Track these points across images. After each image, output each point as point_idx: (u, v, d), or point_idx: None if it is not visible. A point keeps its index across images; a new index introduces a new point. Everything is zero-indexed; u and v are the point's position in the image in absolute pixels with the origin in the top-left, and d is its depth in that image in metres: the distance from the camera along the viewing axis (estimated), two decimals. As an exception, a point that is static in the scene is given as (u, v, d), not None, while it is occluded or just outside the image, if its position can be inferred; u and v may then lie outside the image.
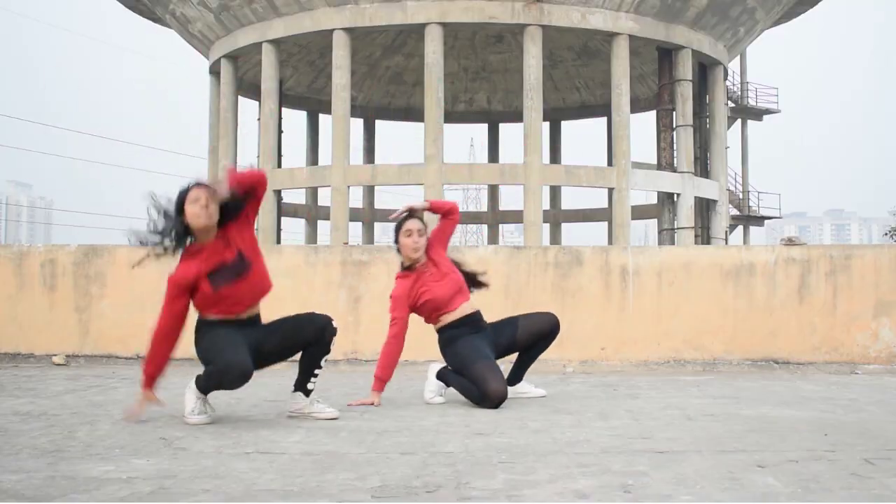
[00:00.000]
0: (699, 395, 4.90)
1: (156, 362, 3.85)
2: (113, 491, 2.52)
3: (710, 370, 6.39)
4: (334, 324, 4.02)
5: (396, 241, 4.63)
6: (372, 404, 4.42)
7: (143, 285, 6.71)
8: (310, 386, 4.02)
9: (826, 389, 5.20)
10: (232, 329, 3.86)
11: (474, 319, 4.62)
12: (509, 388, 4.57)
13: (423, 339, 6.58)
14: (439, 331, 4.64)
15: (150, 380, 3.87)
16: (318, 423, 3.81)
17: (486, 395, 4.31)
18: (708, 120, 29.70)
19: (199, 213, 3.74)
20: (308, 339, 3.97)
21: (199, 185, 3.79)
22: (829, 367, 6.41)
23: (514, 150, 27.72)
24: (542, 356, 6.56)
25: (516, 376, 4.81)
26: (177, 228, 3.76)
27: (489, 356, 4.48)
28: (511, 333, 4.73)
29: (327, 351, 4.02)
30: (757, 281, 6.55)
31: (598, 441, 3.34)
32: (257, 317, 4.03)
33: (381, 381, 4.51)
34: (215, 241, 3.85)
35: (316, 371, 4.02)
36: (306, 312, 4.05)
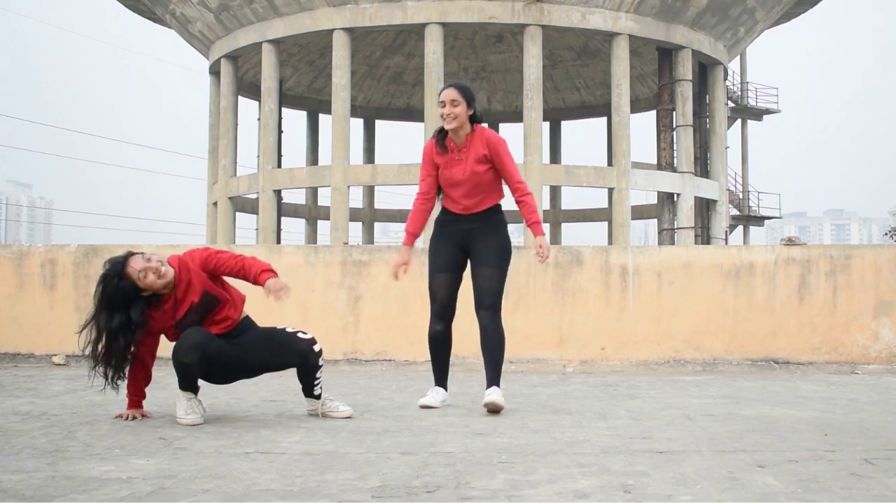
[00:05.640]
0: (699, 395, 4.89)
1: (135, 389, 3.99)
2: (113, 491, 2.52)
3: (710, 370, 6.39)
4: (317, 348, 3.95)
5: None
6: (405, 264, 4.32)
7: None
8: (316, 392, 4.04)
9: (826, 389, 5.20)
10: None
11: (463, 221, 4.35)
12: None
13: (422, 343, 6.59)
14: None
15: (134, 403, 4.00)
16: (318, 423, 3.81)
17: (433, 317, 4.44)
18: (708, 120, 29.69)
19: (156, 282, 3.73)
20: (290, 364, 3.98)
21: (130, 259, 3.73)
22: (829, 367, 6.41)
23: (514, 150, 27.68)
24: (542, 356, 6.59)
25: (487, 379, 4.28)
26: (130, 308, 3.72)
27: (446, 268, 4.35)
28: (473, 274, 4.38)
29: (318, 367, 3.98)
30: (757, 281, 6.55)
31: (598, 441, 3.34)
32: (240, 325, 3.99)
33: (411, 234, 4.36)
34: (177, 287, 3.82)
35: (315, 382, 4.01)
36: (292, 332, 3.96)
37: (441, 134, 4.36)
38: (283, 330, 4.01)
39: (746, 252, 6.68)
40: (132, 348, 3.83)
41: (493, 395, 4.12)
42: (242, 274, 3.91)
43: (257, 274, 3.87)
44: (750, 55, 37.53)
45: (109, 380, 3.82)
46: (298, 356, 3.93)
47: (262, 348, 3.94)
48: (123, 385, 3.93)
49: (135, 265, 3.70)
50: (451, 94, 4.26)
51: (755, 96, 35.78)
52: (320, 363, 3.99)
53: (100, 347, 3.75)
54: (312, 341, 3.97)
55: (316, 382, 4.02)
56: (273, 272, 3.89)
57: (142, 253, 3.78)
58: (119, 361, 3.79)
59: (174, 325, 3.84)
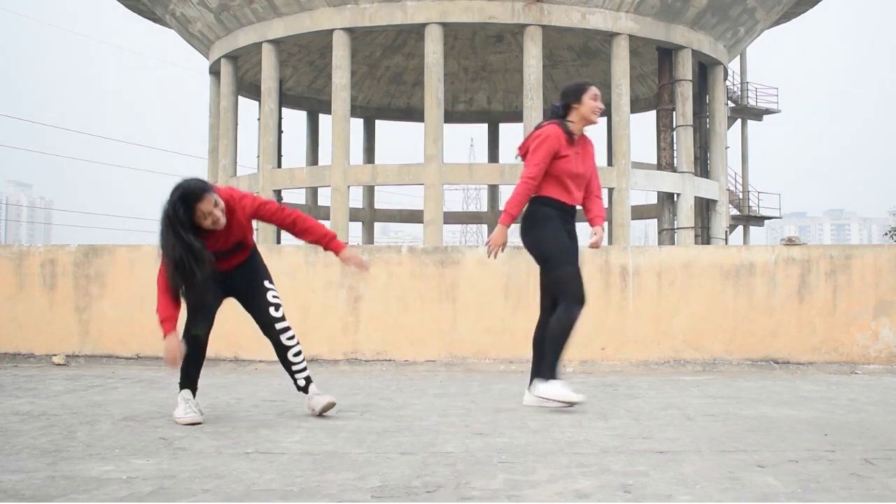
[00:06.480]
0: (699, 395, 4.89)
1: (164, 308, 3.82)
2: (113, 491, 2.52)
3: (710, 370, 6.39)
4: (279, 325, 4.00)
5: (575, 104, 4.35)
6: (503, 245, 4.27)
7: (143, 285, 6.71)
8: (300, 383, 4.08)
9: (826, 389, 5.20)
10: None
11: (572, 214, 4.39)
12: (529, 396, 4.40)
13: (422, 343, 6.59)
14: (538, 199, 4.34)
15: (167, 323, 3.80)
16: (318, 423, 3.81)
17: (579, 300, 4.22)
18: (708, 120, 29.69)
19: (208, 226, 3.77)
20: (258, 324, 4.05)
21: (204, 197, 3.73)
22: (829, 367, 6.41)
23: (514, 150, 27.68)
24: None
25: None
26: (187, 236, 3.70)
27: (577, 263, 4.32)
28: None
29: (285, 347, 4.02)
30: (757, 281, 6.55)
31: (598, 441, 3.34)
32: (240, 263, 4.06)
33: (512, 217, 4.26)
34: (214, 232, 3.87)
35: (293, 368, 4.06)
36: (269, 302, 4.02)
37: (565, 126, 4.37)
38: (265, 295, 4.03)
39: (746, 252, 6.68)
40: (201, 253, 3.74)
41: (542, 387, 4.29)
42: (297, 231, 4.01)
43: (329, 240, 4.01)
44: (750, 55, 37.53)
45: (196, 270, 3.72)
46: (264, 323, 4.01)
47: (254, 297, 4.03)
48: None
49: (204, 207, 3.71)
50: (598, 92, 4.43)
51: (755, 96, 35.78)
52: (288, 343, 4.01)
53: (179, 254, 3.70)
54: (278, 319, 4.00)
55: (296, 367, 4.04)
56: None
57: (216, 197, 3.76)
58: (196, 254, 3.70)
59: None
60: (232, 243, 3.95)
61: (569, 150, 4.32)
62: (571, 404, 4.20)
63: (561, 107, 4.41)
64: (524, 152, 4.39)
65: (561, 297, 4.27)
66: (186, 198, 3.70)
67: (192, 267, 3.69)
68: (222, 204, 3.79)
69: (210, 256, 3.75)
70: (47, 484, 2.60)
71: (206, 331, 3.91)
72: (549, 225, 4.30)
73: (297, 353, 4.05)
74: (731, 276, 6.57)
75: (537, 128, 4.40)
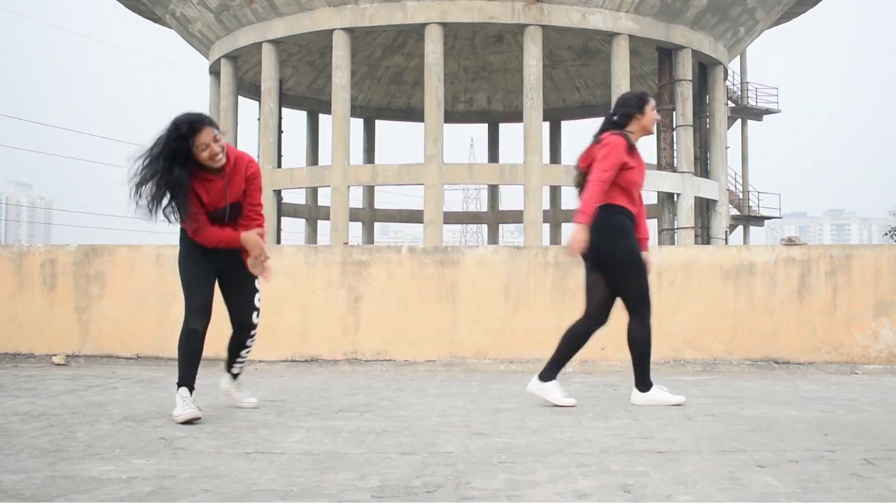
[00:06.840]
0: (699, 395, 4.89)
1: (216, 234, 3.90)
2: (113, 491, 2.52)
3: (710, 370, 6.39)
4: (253, 332, 4.15)
5: (637, 114, 4.47)
6: (582, 246, 4.25)
7: (143, 285, 6.71)
8: (235, 370, 4.25)
9: (826, 389, 5.20)
10: (202, 258, 3.97)
11: (635, 223, 4.51)
12: (531, 388, 4.45)
13: (422, 343, 6.59)
14: (612, 208, 4.38)
15: (231, 238, 3.92)
16: (318, 423, 3.81)
17: (650, 309, 4.37)
18: (708, 120, 29.70)
19: (205, 160, 3.77)
20: (231, 318, 4.14)
21: (203, 130, 3.73)
22: (829, 367, 6.41)
23: (514, 150, 27.76)
24: (542, 356, 6.57)
25: (553, 371, 4.47)
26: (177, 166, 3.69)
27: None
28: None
29: (244, 346, 4.18)
30: (757, 281, 6.55)
31: (598, 441, 3.34)
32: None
33: (589, 215, 4.26)
34: (221, 179, 3.88)
35: (239, 359, 4.22)
36: (256, 304, 4.13)
37: (627, 137, 4.43)
38: (253, 298, 4.12)
39: (746, 252, 6.68)
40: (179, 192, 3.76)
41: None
42: (250, 216, 4.04)
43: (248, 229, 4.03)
44: (750, 55, 37.53)
45: (150, 205, 3.75)
46: (239, 323, 4.12)
47: (236, 294, 4.11)
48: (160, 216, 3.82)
49: (203, 139, 3.73)
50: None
51: (755, 96, 35.79)
52: (249, 343, 4.18)
53: (148, 174, 3.72)
54: (254, 325, 4.15)
55: (240, 360, 4.24)
56: (232, 241, 3.94)
57: (217, 132, 3.78)
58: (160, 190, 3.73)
59: (223, 207, 3.91)
60: (231, 199, 3.95)
61: (633, 161, 4.39)
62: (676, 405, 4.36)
63: (621, 117, 4.47)
64: (587, 164, 4.40)
65: (634, 307, 4.40)
66: (181, 126, 3.71)
67: (144, 182, 3.69)
68: (223, 141, 3.82)
69: (178, 176, 3.68)
70: (47, 484, 2.60)
71: (205, 325, 3.94)
72: (627, 235, 4.43)
73: (249, 352, 4.24)
74: (731, 276, 6.57)
75: (596, 139, 4.47)
